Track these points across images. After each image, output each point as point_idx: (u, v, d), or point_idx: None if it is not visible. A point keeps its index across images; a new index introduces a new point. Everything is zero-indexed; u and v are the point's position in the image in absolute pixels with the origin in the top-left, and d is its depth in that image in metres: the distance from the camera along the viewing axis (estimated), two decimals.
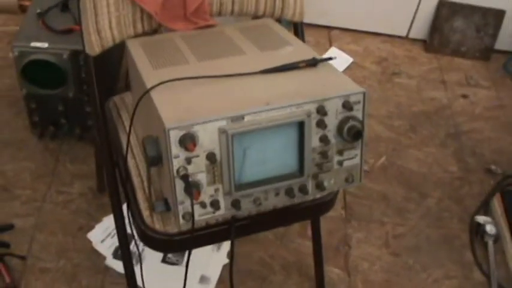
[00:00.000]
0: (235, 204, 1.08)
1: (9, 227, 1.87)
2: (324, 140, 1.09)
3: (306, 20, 2.67)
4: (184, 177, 1.01)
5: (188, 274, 1.79)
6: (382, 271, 1.89)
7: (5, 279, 1.73)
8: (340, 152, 1.12)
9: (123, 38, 1.36)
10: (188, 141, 0.99)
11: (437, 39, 2.70)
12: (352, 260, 1.91)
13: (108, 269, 1.81)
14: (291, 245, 1.93)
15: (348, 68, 2.56)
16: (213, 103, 1.06)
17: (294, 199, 1.12)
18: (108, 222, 1.91)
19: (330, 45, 2.65)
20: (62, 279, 1.77)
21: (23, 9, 2.56)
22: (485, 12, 2.66)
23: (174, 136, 0.99)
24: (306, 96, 1.06)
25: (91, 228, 1.90)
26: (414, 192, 2.13)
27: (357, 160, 1.14)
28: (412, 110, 2.44)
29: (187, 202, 1.05)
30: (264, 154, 1.07)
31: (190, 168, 1.03)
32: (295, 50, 1.27)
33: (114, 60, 1.47)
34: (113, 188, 1.42)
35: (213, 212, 1.08)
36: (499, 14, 2.66)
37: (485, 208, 2.08)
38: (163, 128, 0.99)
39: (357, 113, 1.09)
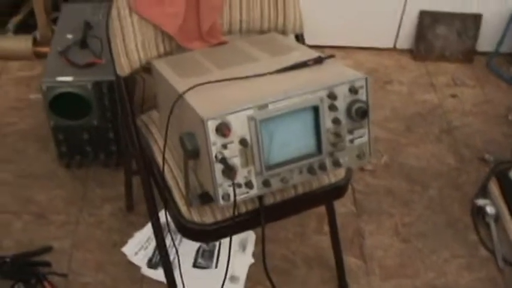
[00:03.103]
0: (266, 183, 1.26)
1: (48, 249, 2.03)
2: (336, 121, 1.27)
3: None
4: (223, 160, 1.19)
5: (218, 275, 1.97)
6: (396, 256, 2.05)
7: None
8: (350, 131, 1.30)
9: (148, 59, 1.55)
10: (224, 128, 1.17)
11: (422, 46, 2.91)
12: (367, 249, 2.07)
13: (144, 277, 1.96)
14: (309, 241, 2.09)
15: None
16: (240, 97, 1.24)
17: (316, 176, 1.30)
18: (139, 237, 2.07)
19: None
20: None
21: (37, 55, 2.75)
22: (464, 17, 2.87)
23: (211, 125, 1.17)
24: (318, 85, 1.25)
25: (124, 243, 2.06)
26: (417, 185, 2.31)
27: (365, 138, 1.32)
28: (406, 113, 2.63)
29: (225, 184, 1.22)
30: (287, 137, 1.25)
31: (226, 153, 1.20)
32: (301, 53, 1.45)
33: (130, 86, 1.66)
34: (149, 195, 1.60)
35: (247, 192, 1.26)
36: (477, 18, 2.86)
37: (483, 192, 2.26)
38: (201, 119, 1.17)
39: (362, 96, 1.28)
